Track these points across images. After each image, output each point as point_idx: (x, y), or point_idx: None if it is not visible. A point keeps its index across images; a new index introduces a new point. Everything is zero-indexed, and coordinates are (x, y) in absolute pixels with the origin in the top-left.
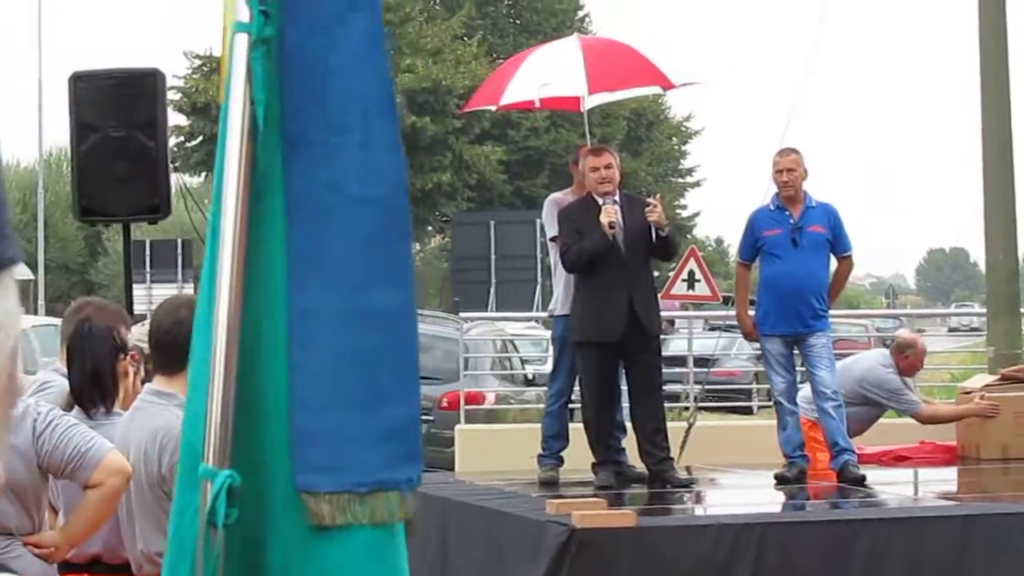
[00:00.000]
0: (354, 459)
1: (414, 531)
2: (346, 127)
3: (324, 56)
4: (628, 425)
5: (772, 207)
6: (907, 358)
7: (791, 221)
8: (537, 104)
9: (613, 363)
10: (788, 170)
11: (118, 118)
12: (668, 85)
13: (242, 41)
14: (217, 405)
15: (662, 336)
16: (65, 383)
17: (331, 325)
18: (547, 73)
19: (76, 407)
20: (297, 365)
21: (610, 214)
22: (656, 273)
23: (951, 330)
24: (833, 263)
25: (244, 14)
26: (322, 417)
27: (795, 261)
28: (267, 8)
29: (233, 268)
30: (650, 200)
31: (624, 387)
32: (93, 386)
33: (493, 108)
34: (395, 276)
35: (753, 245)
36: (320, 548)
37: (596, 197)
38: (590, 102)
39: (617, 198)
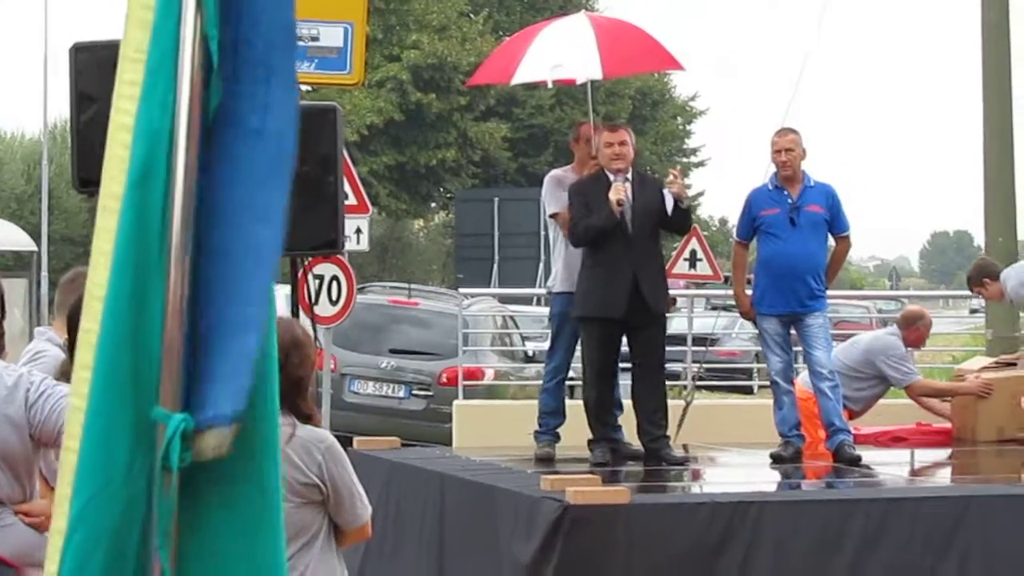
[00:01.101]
0: (208, 397)
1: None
2: (253, 60)
3: None
4: (626, 403)
5: (770, 187)
6: (917, 330)
7: (789, 201)
8: (549, 85)
9: (615, 340)
10: (786, 150)
11: None
12: (678, 67)
13: None
14: (172, 348)
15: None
16: (59, 352)
17: (214, 261)
18: (559, 53)
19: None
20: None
21: (619, 191)
22: None
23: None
24: (831, 243)
25: None
26: (196, 352)
27: (793, 241)
28: None
29: (185, 210)
30: (671, 171)
31: (625, 364)
32: None
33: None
34: (271, 213)
35: (751, 224)
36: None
37: (608, 173)
38: (589, 78)
39: (629, 175)
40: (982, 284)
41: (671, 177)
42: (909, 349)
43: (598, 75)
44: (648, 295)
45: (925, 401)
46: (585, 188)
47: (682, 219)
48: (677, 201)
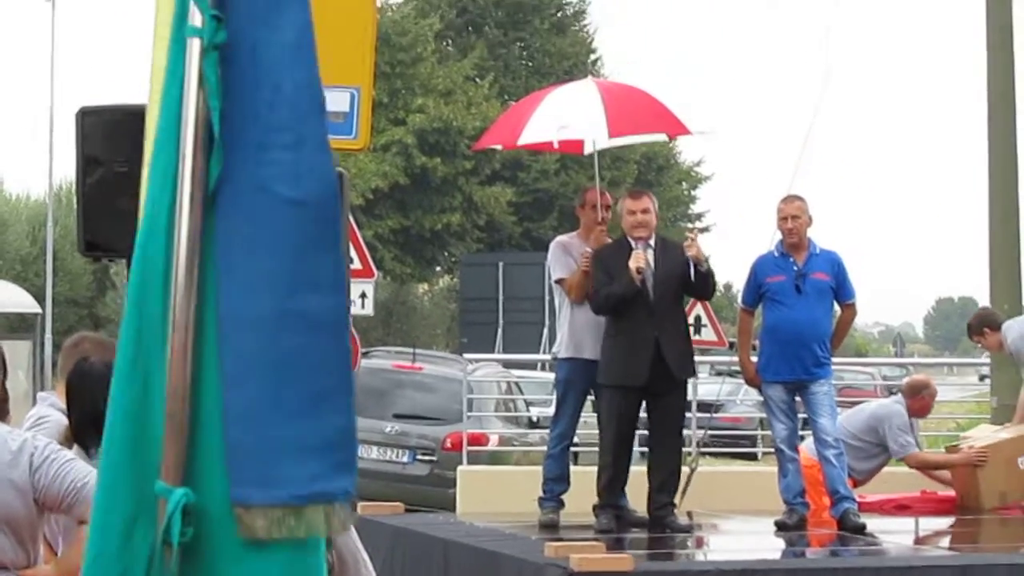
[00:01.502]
0: (288, 471)
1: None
2: (279, 126)
3: (258, 52)
4: (632, 468)
5: (776, 253)
6: (922, 399)
7: (795, 268)
8: (556, 145)
9: (636, 408)
10: (792, 217)
11: (125, 153)
12: (685, 132)
13: (194, 46)
14: (173, 420)
15: None
16: (61, 417)
17: (261, 333)
18: (566, 115)
19: (76, 445)
20: (228, 375)
21: (639, 259)
22: None
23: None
24: (837, 310)
25: (196, 19)
26: (255, 429)
27: (798, 308)
28: (219, 13)
29: (189, 281)
30: (688, 235)
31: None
32: (93, 425)
33: (500, 147)
34: (325, 281)
35: (756, 291)
36: (252, 562)
37: (630, 240)
38: (596, 145)
39: (652, 242)
40: (982, 333)
41: (688, 240)
42: (914, 419)
43: (604, 136)
44: (671, 362)
45: (927, 471)
46: (607, 256)
47: (703, 283)
48: (696, 264)
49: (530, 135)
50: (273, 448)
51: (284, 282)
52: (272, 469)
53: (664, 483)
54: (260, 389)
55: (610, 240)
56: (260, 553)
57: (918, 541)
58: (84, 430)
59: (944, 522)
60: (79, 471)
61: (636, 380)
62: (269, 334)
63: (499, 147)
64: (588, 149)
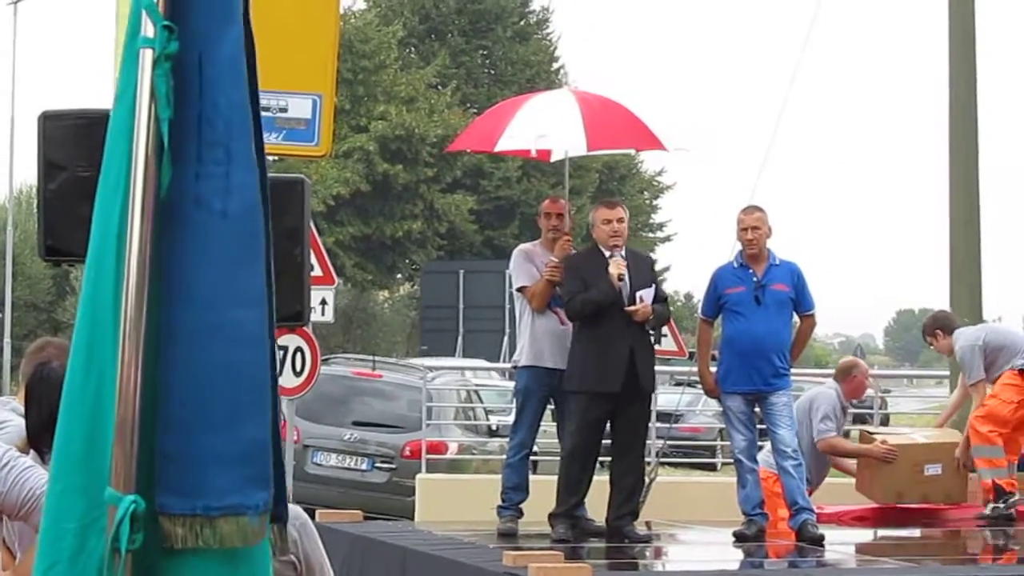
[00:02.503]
0: (208, 482)
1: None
2: (213, 141)
3: (203, 67)
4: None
5: (736, 264)
6: (854, 378)
7: (754, 279)
8: (533, 153)
9: (605, 415)
10: (752, 228)
11: (87, 158)
12: (661, 148)
13: (147, 57)
14: (123, 427)
15: None
16: (22, 422)
17: (189, 343)
18: (544, 124)
19: (32, 450)
20: (161, 384)
21: (620, 266)
22: None
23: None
24: (796, 321)
25: (148, 29)
26: (179, 438)
27: (757, 319)
28: (171, 24)
29: (140, 288)
30: (633, 307)
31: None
32: (49, 430)
33: (468, 151)
34: (249, 294)
35: (716, 302)
36: (173, 570)
37: (603, 249)
38: (568, 154)
39: (623, 252)
40: (934, 335)
41: (635, 310)
42: (849, 401)
43: (582, 148)
44: (641, 372)
45: (834, 459)
46: (580, 263)
47: (658, 319)
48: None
49: (508, 142)
50: (194, 458)
51: (212, 294)
52: (191, 479)
53: (628, 494)
54: (186, 399)
55: (575, 251)
56: (183, 561)
57: (876, 553)
58: (40, 434)
59: (902, 534)
60: (38, 478)
61: (610, 387)
62: (197, 345)
63: (467, 151)
64: (556, 157)
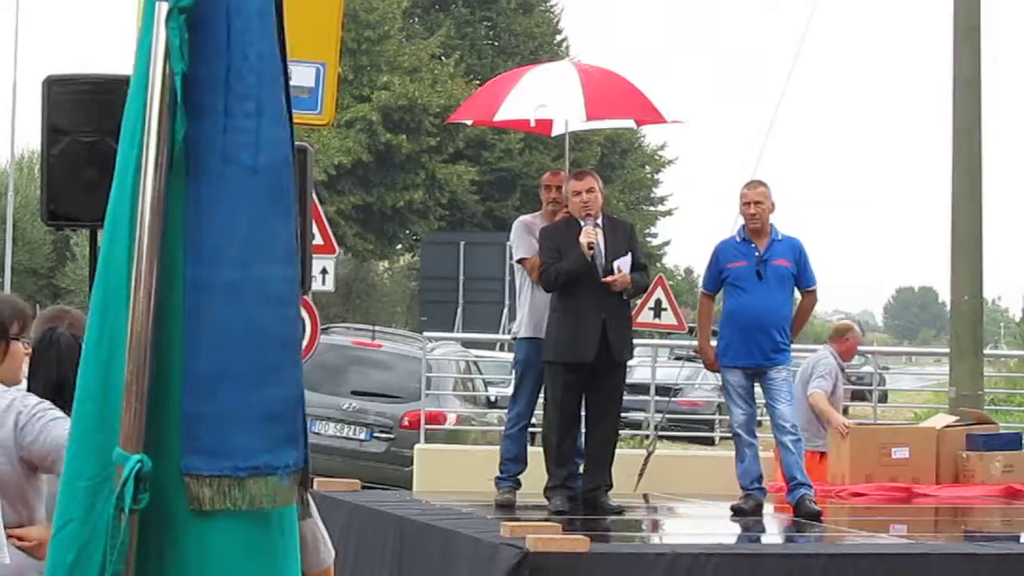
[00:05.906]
0: (236, 442)
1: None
2: (243, 94)
3: (231, 18)
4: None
5: (738, 239)
6: (846, 340)
7: (756, 254)
8: (532, 124)
9: (581, 385)
10: (755, 202)
11: (91, 123)
12: (660, 120)
13: (161, 10)
14: (131, 388)
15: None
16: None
17: (217, 300)
18: (544, 94)
19: None
20: (188, 343)
21: (590, 235)
22: None
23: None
24: (797, 297)
25: None
26: (207, 399)
27: (758, 294)
28: None
29: (151, 248)
30: (610, 278)
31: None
32: (56, 396)
33: (470, 122)
34: (279, 251)
35: (717, 276)
36: (200, 531)
37: (579, 220)
38: (568, 126)
39: (599, 221)
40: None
41: (612, 280)
42: (843, 363)
43: (581, 117)
44: (614, 343)
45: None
46: (556, 233)
47: (636, 288)
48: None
49: (507, 112)
50: (222, 418)
51: (241, 251)
52: (220, 439)
53: (602, 465)
54: (214, 358)
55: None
56: (211, 522)
57: (873, 528)
58: (46, 399)
59: (900, 510)
60: (65, 429)
61: (584, 356)
62: (225, 303)
63: (469, 122)
64: (557, 131)
